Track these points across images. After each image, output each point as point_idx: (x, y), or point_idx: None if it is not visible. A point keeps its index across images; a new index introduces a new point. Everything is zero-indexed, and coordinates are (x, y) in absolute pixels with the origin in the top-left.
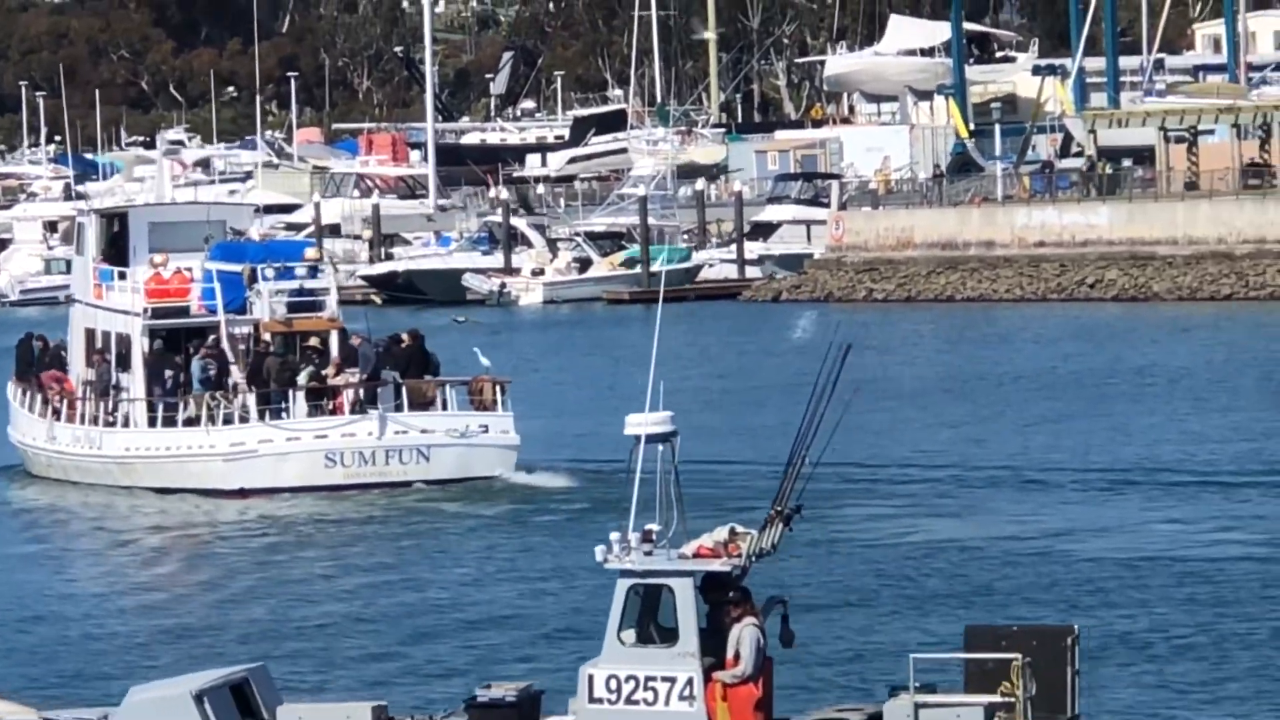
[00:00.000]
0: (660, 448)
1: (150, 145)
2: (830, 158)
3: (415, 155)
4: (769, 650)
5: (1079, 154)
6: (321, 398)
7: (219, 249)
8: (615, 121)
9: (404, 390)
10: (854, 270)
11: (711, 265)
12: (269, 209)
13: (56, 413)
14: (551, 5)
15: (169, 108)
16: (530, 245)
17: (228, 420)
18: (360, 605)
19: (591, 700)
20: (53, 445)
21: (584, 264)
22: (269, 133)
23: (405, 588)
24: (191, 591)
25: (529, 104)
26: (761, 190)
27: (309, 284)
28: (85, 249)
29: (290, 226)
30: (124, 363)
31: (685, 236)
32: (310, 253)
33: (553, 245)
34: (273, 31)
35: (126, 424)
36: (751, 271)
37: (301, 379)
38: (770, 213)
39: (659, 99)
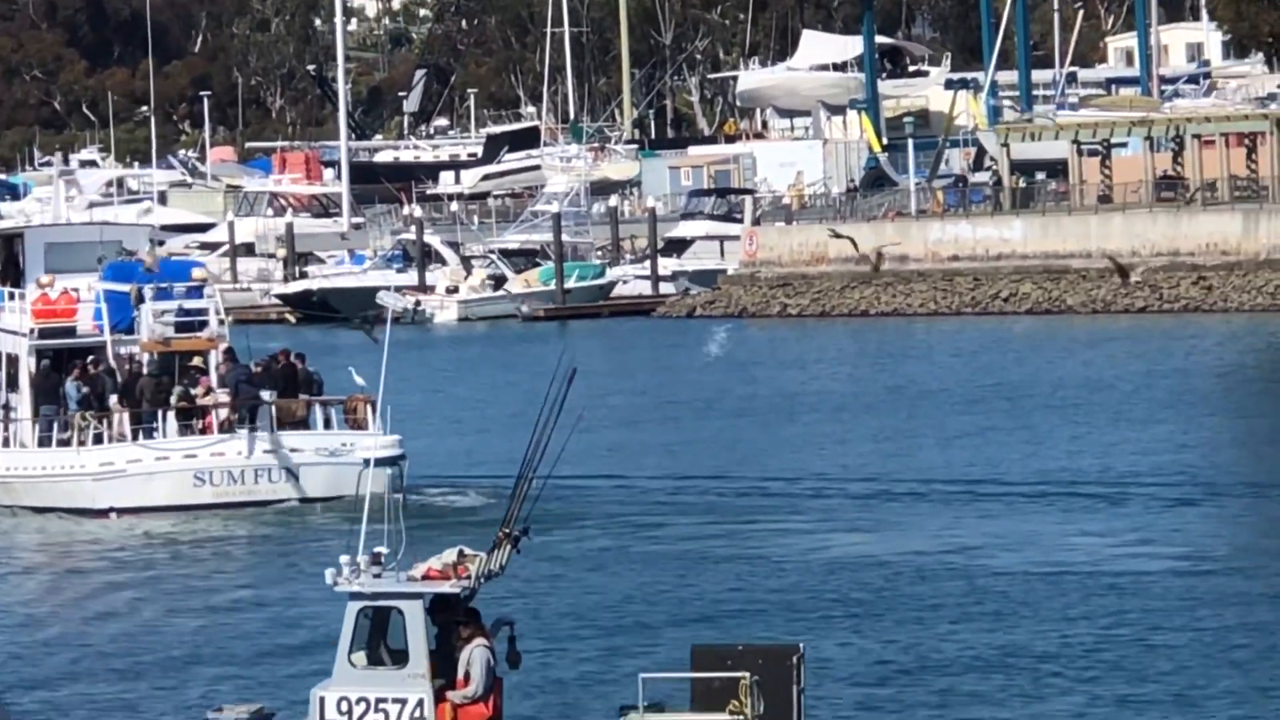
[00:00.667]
0: (389, 471)
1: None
2: (743, 173)
3: (329, 173)
4: (498, 670)
5: (990, 168)
6: (191, 417)
7: (110, 269)
8: (528, 139)
9: (273, 410)
10: (768, 285)
11: (625, 281)
12: (182, 228)
13: None
14: (464, 23)
15: (82, 127)
16: (444, 263)
17: (98, 440)
18: (205, 623)
19: None
20: None
21: (498, 281)
22: (182, 152)
23: (254, 606)
24: (36, 613)
25: (442, 121)
26: (675, 206)
27: (190, 304)
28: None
29: (204, 246)
30: (13, 383)
31: (599, 253)
32: (197, 273)
33: (467, 262)
34: (185, 51)
35: (8, 444)
36: (665, 288)
37: (172, 399)
38: (684, 228)
39: (572, 116)
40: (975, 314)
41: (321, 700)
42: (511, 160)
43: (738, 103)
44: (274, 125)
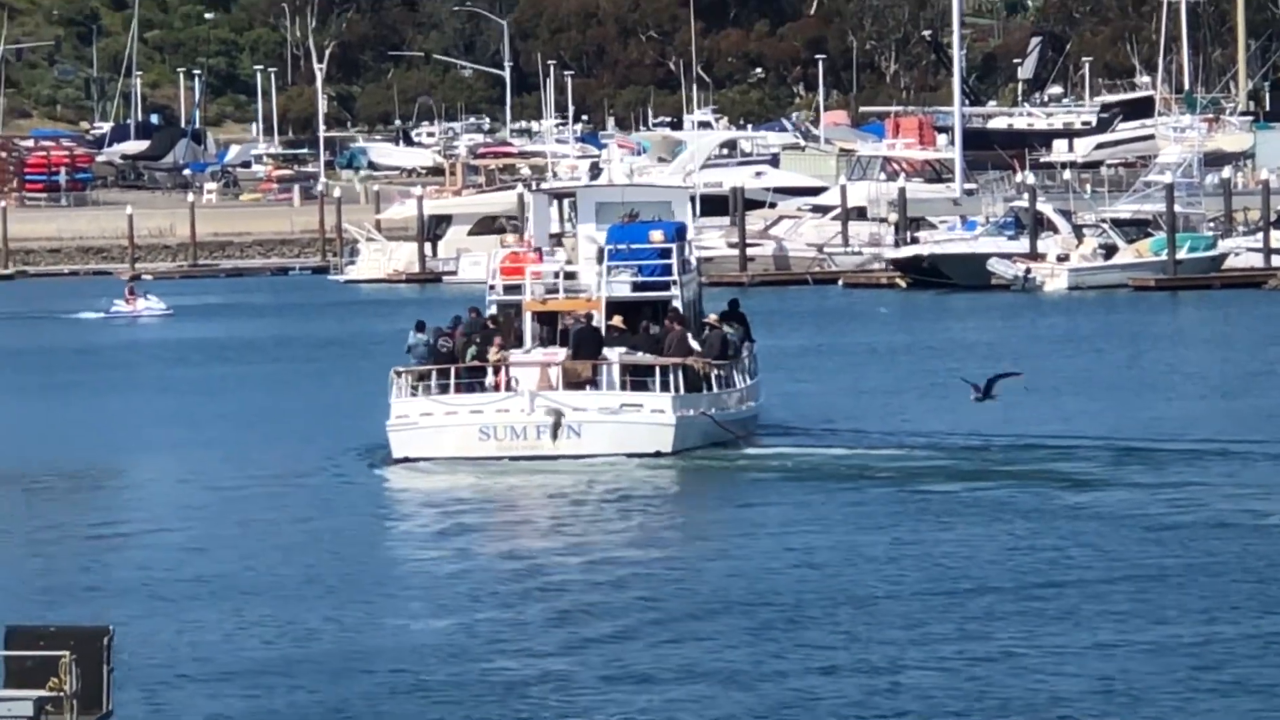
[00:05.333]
0: None
1: (677, 126)
2: None
3: (942, 139)
4: None
5: None
6: (480, 375)
7: (611, 229)
8: (1143, 108)
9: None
10: None
11: (1237, 254)
12: (794, 191)
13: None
14: None
15: (696, 88)
16: (1056, 231)
17: (414, 393)
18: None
19: None
20: None
21: (1109, 250)
22: (796, 114)
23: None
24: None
25: (1056, 89)
26: None
27: (646, 264)
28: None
29: (816, 209)
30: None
31: (1211, 224)
32: (655, 236)
33: (1078, 231)
34: (800, 13)
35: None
36: (1278, 260)
37: (466, 357)
38: None
39: (1187, 86)
40: None
41: None
42: (1125, 129)
43: None
44: (888, 90)
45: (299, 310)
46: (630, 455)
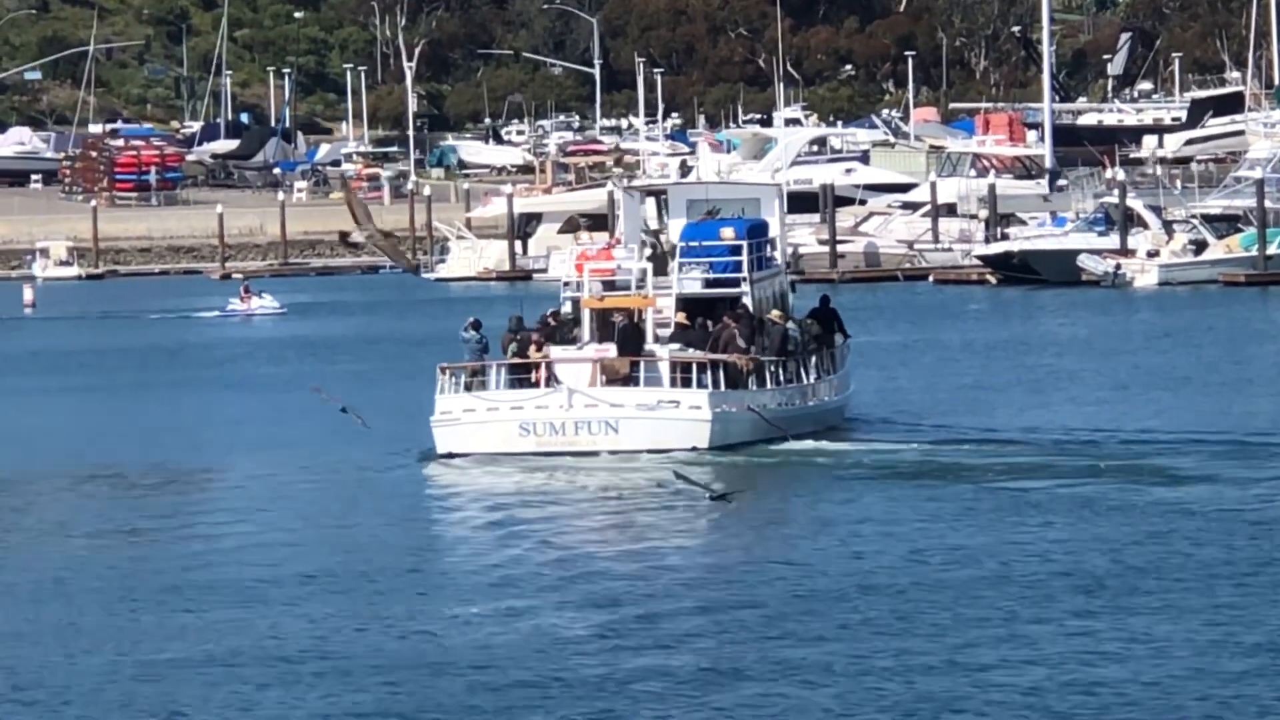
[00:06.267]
0: None
1: (767, 123)
2: None
3: (1031, 135)
4: None
5: None
6: (525, 372)
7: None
8: (1232, 104)
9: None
10: None
11: None
12: (884, 188)
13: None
14: None
15: (786, 85)
16: (1146, 227)
17: (469, 389)
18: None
19: None
20: None
21: (1199, 246)
22: (886, 111)
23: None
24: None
25: (1146, 85)
26: None
27: (717, 261)
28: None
29: (906, 205)
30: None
31: None
32: (726, 233)
33: (1168, 227)
34: (890, 10)
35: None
36: None
37: (507, 354)
38: None
39: (1276, 81)
40: None
41: None
42: (1215, 125)
43: None
44: (977, 86)
45: (391, 308)
46: (668, 451)
